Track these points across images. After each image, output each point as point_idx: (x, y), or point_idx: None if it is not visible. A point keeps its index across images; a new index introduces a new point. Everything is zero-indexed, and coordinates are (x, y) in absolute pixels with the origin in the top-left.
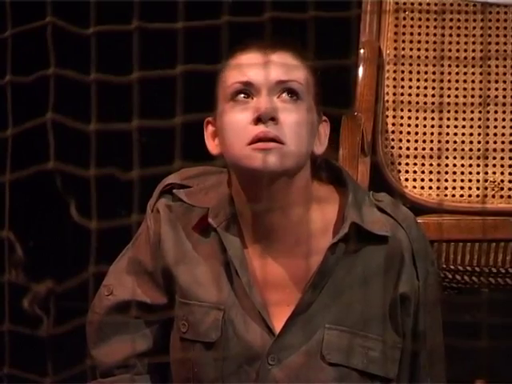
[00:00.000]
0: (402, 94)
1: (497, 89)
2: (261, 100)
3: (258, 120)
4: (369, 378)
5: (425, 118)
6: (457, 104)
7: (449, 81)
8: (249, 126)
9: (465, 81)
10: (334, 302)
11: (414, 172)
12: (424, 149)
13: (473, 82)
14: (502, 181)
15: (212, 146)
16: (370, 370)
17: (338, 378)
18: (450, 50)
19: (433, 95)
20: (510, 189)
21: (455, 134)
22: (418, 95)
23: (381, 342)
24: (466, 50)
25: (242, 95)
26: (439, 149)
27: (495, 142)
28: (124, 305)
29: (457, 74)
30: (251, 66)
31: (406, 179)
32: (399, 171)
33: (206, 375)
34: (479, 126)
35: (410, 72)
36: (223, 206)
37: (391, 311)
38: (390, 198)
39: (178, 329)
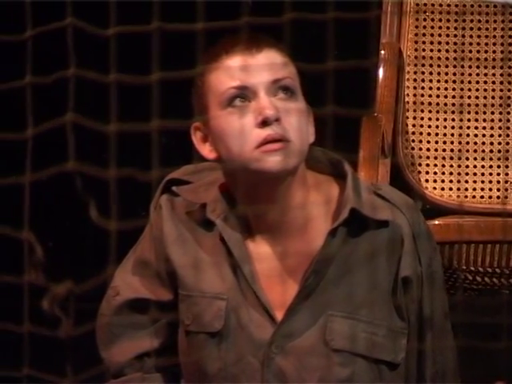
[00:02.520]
0: (423, 95)
1: None
2: (261, 102)
3: (264, 123)
4: (374, 363)
5: (445, 119)
6: (477, 105)
7: (469, 82)
8: (254, 129)
9: (485, 82)
10: (336, 288)
11: (435, 173)
12: (444, 150)
13: (493, 82)
14: None
15: (206, 151)
16: (375, 355)
17: (343, 364)
18: (470, 51)
19: (453, 96)
20: None
21: (475, 135)
22: (438, 96)
23: (385, 327)
24: (486, 51)
25: (239, 100)
26: (459, 150)
27: None
28: (131, 304)
29: (477, 74)
30: (246, 70)
31: (427, 180)
32: (419, 172)
33: (210, 366)
34: (500, 127)
35: (431, 73)
36: (221, 201)
37: (394, 296)
38: (390, 187)
39: (182, 322)
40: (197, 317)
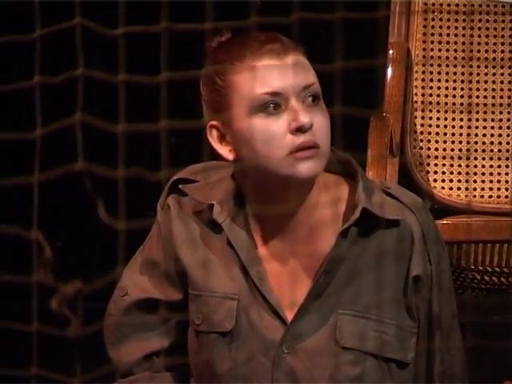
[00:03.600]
0: (431, 95)
1: None
2: (295, 109)
3: (298, 130)
4: (384, 361)
5: (453, 119)
6: (485, 105)
7: (477, 81)
8: (288, 135)
9: (493, 81)
10: (346, 288)
11: (443, 173)
12: (453, 149)
13: (501, 82)
14: None
15: (225, 151)
16: (385, 354)
17: (353, 363)
18: (478, 51)
19: (461, 96)
20: None
21: (484, 135)
22: (446, 96)
23: (394, 325)
24: (494, 51)
25: (272, 106)
26: (468, 149)
27: None
28: (140, 304)
29: (485, 74)
30: (278, 75)
31: (435, 180)
32: (428, 172)
33: (220, 366)
34: (508, 127)
35: (439, 73)
36: (228, 201)
37: (404, 295)
38: (398, 185)
39: (192, 322)
40: (207, 317)
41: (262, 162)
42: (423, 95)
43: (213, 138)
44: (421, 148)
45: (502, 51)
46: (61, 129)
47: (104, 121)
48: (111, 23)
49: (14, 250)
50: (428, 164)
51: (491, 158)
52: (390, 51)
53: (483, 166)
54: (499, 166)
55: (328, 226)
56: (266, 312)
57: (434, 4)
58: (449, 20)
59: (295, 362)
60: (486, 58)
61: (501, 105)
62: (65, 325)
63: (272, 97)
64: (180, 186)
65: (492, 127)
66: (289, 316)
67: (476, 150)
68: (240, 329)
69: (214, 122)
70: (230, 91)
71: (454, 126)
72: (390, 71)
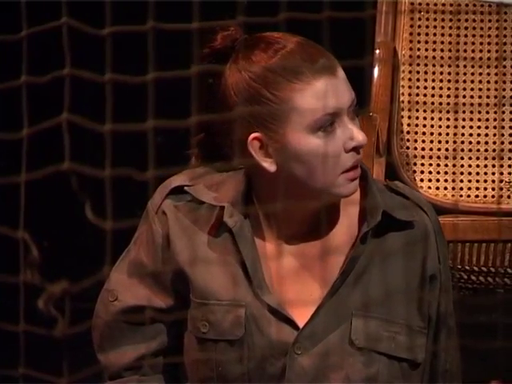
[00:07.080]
0: (418, 95)
1: None
2: (347, 126)
3: (354, 149)
4: (397, 362)
5: (440, 119)
6: (472, 104)
7: (464, 81)
8: (343, 154)
9: (480, 81)
10: (360, 288)
11: (430, 172)
12: (439, 149)
13: (488, 82)
14: None
15: (267, 163)
16: (398, 354)
17: (367, 363)
18: (465, 51)
19: (448, 96)
20: None
21: (470, 135)
22: (433, 96)
23: (406, 326)
24: (481, 51)
25: (329, 125)
26: (454, 149)
27: (510, 143)
28: (130, 309)
29: (472, 74)
30: (336, 94)
31: (422, 180)
32: (414, 171)
33: (231, 372)
34: (494, 127)
35: (426, 72)
36: (238, 205)
37: (420, 295)
38: (402, 184)
39: (196, 329)
40: (215, 325)
41: (312, 178)
42: (410, 95)
43: (255, 151)
44: (407, 148)
45: (489, 51)
46: (47, 128)
47: (91, 120)
48: (98, 23)
49: (0, 250)
50: (415, 164)
51: (478, 158)
52: (377, 51)
53: (470, 166)
54: (486, 166)
55: (343, 227)
56: (273, 315)
57: (420, 4)
58: (435, 20)
59: (308, 362)
60: (473, 58)
61: (487, 104)
62: (52, 325)
63: (332, 117)
64: (186, 188)
65: (478, 127)
66: (297, 317)
67: (463, 150)
68: (249, 334)
69: (257, 135)
70: (284, 107)
71: (440, 126)
72: (376, 71)
